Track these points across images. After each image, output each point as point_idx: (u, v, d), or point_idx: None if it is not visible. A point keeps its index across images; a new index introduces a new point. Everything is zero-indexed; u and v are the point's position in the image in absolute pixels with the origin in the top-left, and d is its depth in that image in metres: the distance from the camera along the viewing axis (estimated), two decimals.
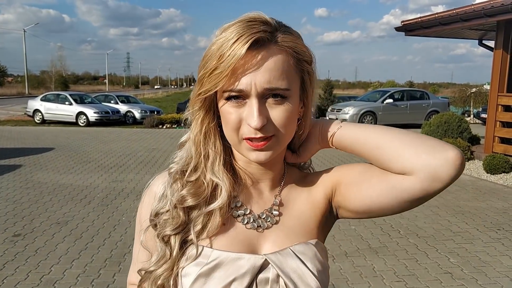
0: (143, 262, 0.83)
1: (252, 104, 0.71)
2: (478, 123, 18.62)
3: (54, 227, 4.86)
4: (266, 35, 0.71)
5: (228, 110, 0.74)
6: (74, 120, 17.41)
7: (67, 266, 3.83)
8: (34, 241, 4.43)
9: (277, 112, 0.73)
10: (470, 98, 20.51)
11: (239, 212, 0.80)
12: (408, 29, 9.76)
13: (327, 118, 17.88)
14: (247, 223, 0.80)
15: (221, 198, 0.77)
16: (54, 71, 66.76)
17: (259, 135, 0.72)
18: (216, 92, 0.75)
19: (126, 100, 20.96)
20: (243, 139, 0.74)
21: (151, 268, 0.79)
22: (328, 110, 18.17)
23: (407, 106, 17.00)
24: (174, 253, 0.77)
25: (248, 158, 0.77)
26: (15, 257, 4.00)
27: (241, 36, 0.69)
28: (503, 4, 7.29)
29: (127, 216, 5.22)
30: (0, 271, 3.69)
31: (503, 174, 7.67)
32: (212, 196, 0.78)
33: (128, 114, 18.97)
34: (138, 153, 9.92)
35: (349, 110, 16.62)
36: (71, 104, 17.77)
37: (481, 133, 10.08)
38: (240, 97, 0.72)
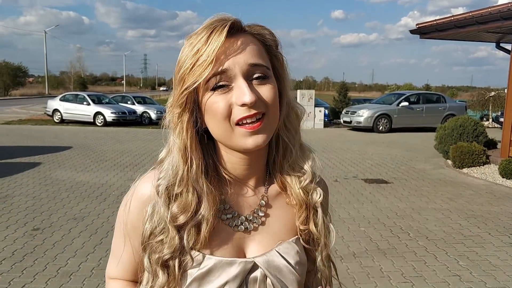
0: (124, 262, 0.86)
1: (240, 83, 0.73)
2: (497, 127, 18.34)
3: (71, 222, 5.01)
4: (238, 24, 0.75)
5: (214, 100, 0.74)
6: (92, 120, 17.73)
7: (82, 259, 3.97)
8: (52, 235, 4.58)
9: (265, 90, 0.75)
10: (488, 102, 20.26)
11: (228, 216, 0.82)
12: (423, 31, 9.72)
13: (341, 120, 17.88)
14: (235, 226, 0.82)
15: (204, 211, 0.77)
16: (73, 72, 67.99)
17: (253, 111, 0.73)
18: (197, 91, 0.76)
19: (142, 101, 21.26)
20: (236, 123, 0.74)
21: (158, 284, 0.78)
22: (343, 112, 18.15)
23: (423, 109, 16.87)
24: (177, 274, 0.77)
25: (244, 147, 0.76)
26: (34, 250, 4.16)
27: (215, 28, 0.72)
28: None
29: None
30: (20, 263, 3.85)
31: None
32: (199, 207, 0.78)
33: (144, 114, 19.23)
34: (153, 153, 10.06)
35: (364, 113, 16.57)
36: (89, 104, 18.10)
37: (499, 137, 9.98)
38: (225, 85, 0.74)
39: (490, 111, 20.82)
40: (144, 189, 0.81)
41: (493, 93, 20.18)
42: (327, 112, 19.94)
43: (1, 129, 15.34)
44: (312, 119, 18.18)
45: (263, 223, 0.84)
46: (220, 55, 0.72)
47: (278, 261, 0.81)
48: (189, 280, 0.77)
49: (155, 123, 18.44)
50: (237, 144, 0.76)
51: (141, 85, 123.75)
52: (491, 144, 10.01)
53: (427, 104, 17.17)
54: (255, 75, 0.75)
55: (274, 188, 0.87)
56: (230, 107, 0.74)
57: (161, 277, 0.77)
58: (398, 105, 16.74)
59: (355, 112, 17.00)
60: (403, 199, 6.33)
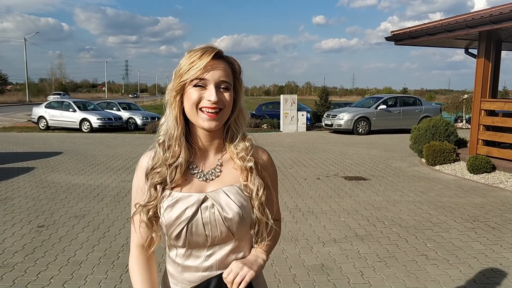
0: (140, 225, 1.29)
1: (211, 88, 1.19)
2: (469, 128, 19.18)
3: (73, 219, 5.39)
4: (221, 53, 1.24)
5: (193, 91, 1.20)
6: (78, 127, 17.93)
7: (89, 250, 4.36)
8: (57, 231, 4.95)
9: (225, 96, 1.22)
10: (462, 104, 21.15)
11: (194, 171, 1.28)
12: (398, 38, 10.36)
13: (323, 124, 18.48)
14: (199, 177, 1.27)
15: (180, 159, 1.25)
16: (54, 79, 67.34)
17: (214, 106, 1.19)
18: (185, 85, 1.22)
19: (127, 107, 21.50)
20: (201, 109, 1.20)
21: (144, 203, 1.24)
22: (324, 116, 18.74)
23: (400, 112, 17.61)
24: (159, 195, 1.23)
25: (202, 126, 1.21)
26: (42, 244, 4.53)
27: (207, 51, 1.21)
28: (482, 16, 7.88)
29: None
30: (31, 255, 4.22)
31: (485, 174, 8.23)
32: (180, 155, 1.26)
33: (130, 120, 19.51)
34: None
35: (344, 116, 17.20)
36: (74, 111, 18.29)
37: (469, 137, 10.64)
38: (202, 86, 1.20)
39: (463, 113, 21.72)
40: (144, 162, 1.30)
41: (466, 96, 21.07)
42: (309, 116, 20.53)
43: None
44: (295, 122, 18.74)
45: (218, 177, 1.29)
46: (205, 68, 1.19)
47: (222, 196, 1.25)
48: (164, 207, 1.22)
49: (141, 129, 18.75)
50: (199, 123, 1.23)
51: (123, 91, 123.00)
52: (462, 143, 10.69)
53: (404, 106, 17.91)
54: (222, 86, 1.22)
55: (227, 157, 1.32)
56: (200, 99, 1.20)
57: (153, 193, 1.24)
58: (376, 108, 17.44)
59: (336, 115, 17.63)
60: (379, 193, 6.87)
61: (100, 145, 13.21)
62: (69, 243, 4.57)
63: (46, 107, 18.94)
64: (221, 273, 1.26)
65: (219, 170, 1.29)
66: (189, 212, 1.21)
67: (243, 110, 1.30)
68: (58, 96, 42.09)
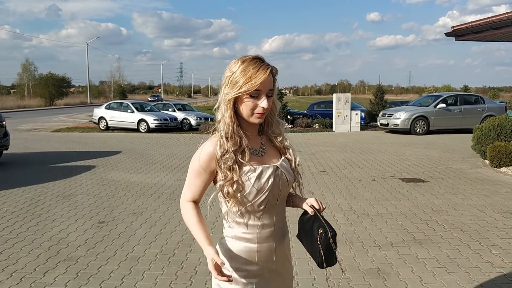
0: (196, 187, 1.63)
1: (264, 97, 1.55)
2: None
3: (131, 216, 5.58)
4: (271, 68, 1.57)
5: (249, 101, 1.55)
6: (136, 127, 18.62)
7: (146, 246, 4.49)
8: (116, 227, 5.15)
9: (270, 100, 1.59)
10: None
11: (252, 150, 1.63)
12: (459, 34, 9.87)
13: (378, 123, 18.00)
14: (256, 154, 1.64)
15: (243, 144, 1.58)
16: (113, 81, 70.33)
17: (264, 111, 1.56)
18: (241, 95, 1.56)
19: (182, 108, 22.08)
20: (255, 113, 1.56)
21: (223, 182, 1.56)
22: (379, 115, 18.23)
23: (461, 111, 16.77)
24: (237, 173, 1.56)
25: (253, 122, 1.58)
26: (102, 239, 4.73)
27: (261, 66, 1.53)
28: None
29: None
30: (92, 249, 4.41)
31: None
32: (242, 143, 1.59)
33: (185, 121, 19.99)
34: None
35: (401, 115, 16.65)
36: (133, 112, 19.03)
37: None
38: (256, 96, 1.54)
39: None
40: (210, 149, 1.59)
41: None
42: (363, 115, 20.08)
43: (53, 136, 16.44)
44: (349, 122, 18.40)
45: (265, 153, 1.68)
46: (261, 84, 1.52)
47: (285, 165, 1.68)
48: (253, 179, 1.56)
49: (195, 129, 19.16)
50: (251, 120, 1.59)
51: (178, 93, 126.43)
52: None
53: (465, 105, 17.05)
54: (268, 94, 1.56)
55: (265, 138, 1.71)
56: (255, 105, 1.55)
57: (229, 174, 1.56)
58: (435, 107, 16.73)
59: (392, 114, 17.10)
60: (439, 196, 6.57)
61: (157, 145, 13.63)
62: (128, 239, 4.73)
63: (106, 108, 19.84)
64: (305, 212, 1.70)
65: (264, 148, 1.68)
66: (270, 180, 1.59)
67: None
68: (156, 98, 44.26)
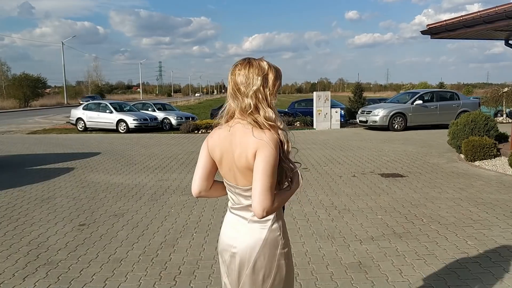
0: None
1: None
2: (510, 122, 18.46)
3: (112, 218, 5.54)
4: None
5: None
6: (115, 127, 18.41)
7: (128, 248, 4.47)
8: (97, 229, 5.10)
9: None
10: (502, 98, 20.35)
11: None
12: (434, 32, 10.07)
13: (357, 120, 18.23)
14: None
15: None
16: (90, 81, 69.36)
17: None
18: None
19: (162, 107, 21.91)
20: None
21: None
22: (358, 112, 18.47)
23: (437, 107, 17.14)
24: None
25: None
26: (84, 242, 4.68)
27: (281, 74, 1.83)
28: None
29: (175, 209, 5.84)
30: (74, 252, 4.37)
31: None
32: None
33: (165, 120, 19.85)
34: (178, 156, 10.60)
35: (379, 112, 16.90)
36: (111, 112, 18.81)
37: (510, 131, 10.25)
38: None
39: (504, 107, 20.91)
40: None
41: (506, 89, 20.25)
42: (343, 113, 20.29)
43: (29, 139, 16.12)
44: (329, 119, 18.57)
45: None
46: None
47: None
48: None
49: (176, 129, 19.04)
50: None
51: (157, 92, 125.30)
52: (502, 138, 10.30)
53: (441, 101, 17.42)
54: None
55: None
56: None
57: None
58: (412, 103, 17.04)
59: (371, 111, 17.35)
60: (417, 190, 6.72)
61: (137, 145, 13.52)
62: (110, 241, 4.70)
63: (84, 109, 19.56)
64: None
65: None
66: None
67: None
68: (90, 100, 39.38)
